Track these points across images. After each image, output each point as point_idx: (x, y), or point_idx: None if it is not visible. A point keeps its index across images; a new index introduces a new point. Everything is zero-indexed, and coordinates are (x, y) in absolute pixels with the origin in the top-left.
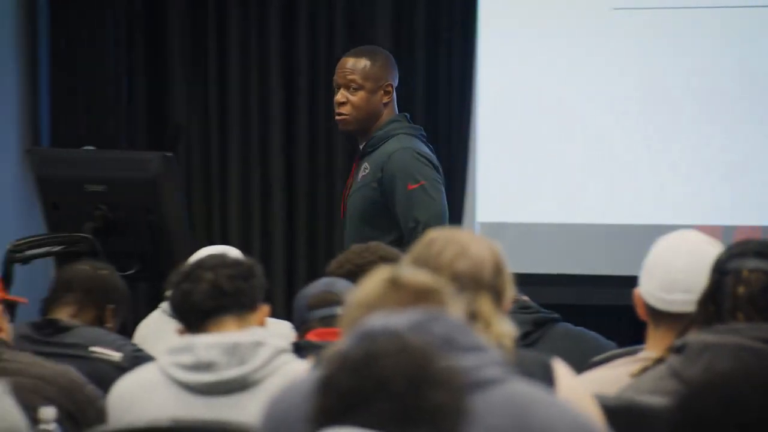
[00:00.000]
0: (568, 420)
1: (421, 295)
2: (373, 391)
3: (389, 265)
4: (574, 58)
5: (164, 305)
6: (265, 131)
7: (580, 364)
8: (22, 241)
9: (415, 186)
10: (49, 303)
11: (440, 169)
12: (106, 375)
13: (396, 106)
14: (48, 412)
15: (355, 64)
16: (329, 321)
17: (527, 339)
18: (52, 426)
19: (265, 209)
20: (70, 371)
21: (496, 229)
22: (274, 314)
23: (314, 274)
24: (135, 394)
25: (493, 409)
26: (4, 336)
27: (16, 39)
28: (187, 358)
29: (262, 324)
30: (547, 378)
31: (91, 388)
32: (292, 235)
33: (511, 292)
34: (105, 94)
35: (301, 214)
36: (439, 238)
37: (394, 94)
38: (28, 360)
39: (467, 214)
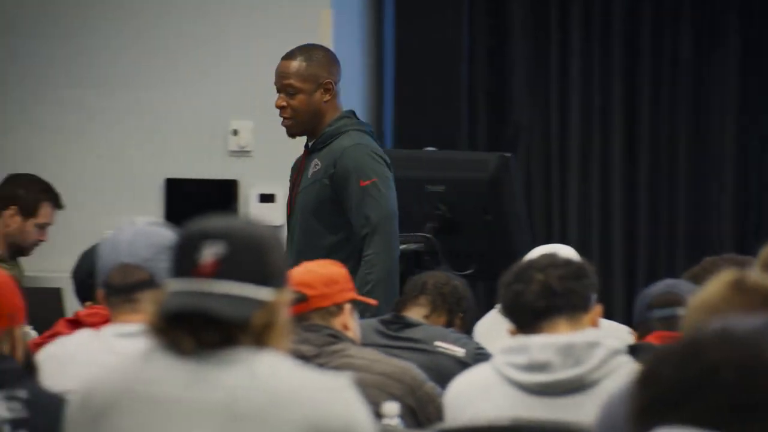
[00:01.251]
0: None
1: None
2: (700, 383)
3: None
4: None
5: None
6: (606, 132)
7: None
8: None
9: (367, 183)
10: (402, 302)
11: (392, 167)
12: (447, 369)
13: (340, 103)
14: (392, 408)
15: (288, 68)
16: (670, 322)
17: None
18: (395, 421)
19: (604, 210)
20: (412, 368)
21: None
22: (613, 316)
23: (654, 276)
24: (471, 393)
25: None
26: (350, 334)
27: (362, 42)
28: (521, 359)
29: (594, 324)
30: None
31: (430, 386)
32: (631, 237)
33: None
34: (447, 95)
35: (641, 215)
36: None
37: (336, 89)
38: (373, 357)
39: None
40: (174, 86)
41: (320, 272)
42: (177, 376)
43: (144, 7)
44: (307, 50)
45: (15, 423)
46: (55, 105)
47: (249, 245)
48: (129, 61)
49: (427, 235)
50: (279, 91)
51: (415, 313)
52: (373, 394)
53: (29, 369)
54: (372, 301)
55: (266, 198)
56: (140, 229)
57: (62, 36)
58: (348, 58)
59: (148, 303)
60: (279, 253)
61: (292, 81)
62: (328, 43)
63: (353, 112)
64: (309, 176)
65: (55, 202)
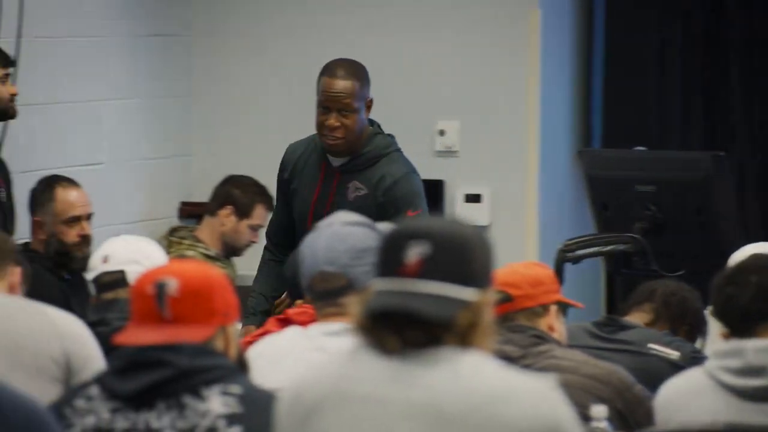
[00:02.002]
0: None
1: None
2: None
3: None
4: None
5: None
6: None
7: None
8: (573, 241)
9: (412, 214)
10: (627, 307)
11: None
12: (659, 372)
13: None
14: (600, 411)
15: (346, 88)
16: None
17: None
18: (603, 424)
19: None
20: (620, 371)
21: None
22: None
23: None
24: (682, 397)
25: None
26: (556, 336)
27: (570, 41)
28: (735, 363)
29: None
30: None
31: (639, 388)
32: None
33: None
34: (659, 94)
35: None
36: None
37: None
38: (579, 359)
39: None
40: (381, 87)
41: (526, 273)
42: (382, 375)
43: (349, 10)
44: (355, 67)
45: (230, 418)
46: (262, 109)
47: (453, 245)
48: None
49: (636, 236)
50: (331, 109)
51: (637, 318)
52: (580, 396)
53: (241, 366)
54: (579, 305)
55: (472, 198)
56: (336, 231)
57: (269, 37)
58: (556, 58)
59: (352, 303)
60: (484, 253)
61: (350, 101)
62: (536, 42)
63: (379, 125)
64: (350, 199)
65: (269, 205)
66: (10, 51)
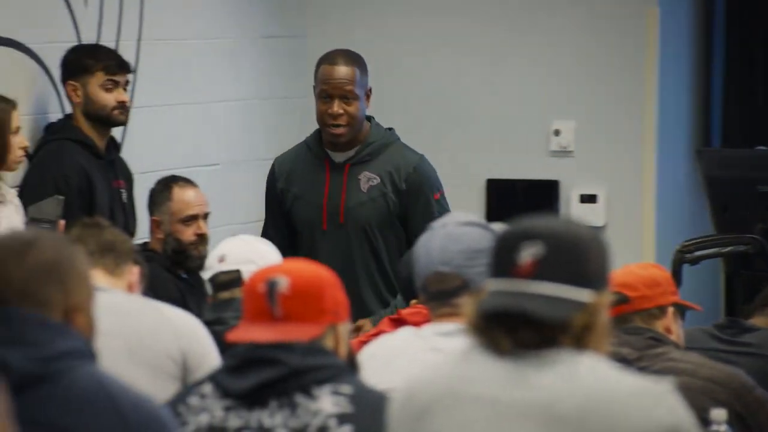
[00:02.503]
0: None
1: None
2: None
3: None
4: None
5: None
6: None
7: None
8: (691, 242)
9: (438, 196)
10: (750, 309)
11: None
12: None
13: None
14: (720, 414)
15: (348, 74)
16: None
17: None
18: (724, 428)
19: None
20: (740, 374)
21: None
22: None
23: None
24: None
25: None
26: (674, 338)
27: (689, 40)
28: None
29: None
30: None
31: (761, 392)
32: None
33: None
34: None
35: None
36: None
37: None
38: (698, 361)
39: None
40: (496, 88)
41: (642, 274)
42: (495, 376)
43: (463, 12)
44: (355, 56)
45: (341, 417)
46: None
47: (568, 246)
48: (451, 66)
49: (757, 237)
50: (333, 97)
51: (762, 322)
52: (698, 399)
53: (352, 365)
54: (697, 307)
55: (587, 198)
56: (451, 231)
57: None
58: (674, 56)
59: (466, 304)
60: (599, 253)
61: (353, 88)
62: (654, 41)
63: (371, 117)
64: (363, 190)
65: None
66: (131, 54)
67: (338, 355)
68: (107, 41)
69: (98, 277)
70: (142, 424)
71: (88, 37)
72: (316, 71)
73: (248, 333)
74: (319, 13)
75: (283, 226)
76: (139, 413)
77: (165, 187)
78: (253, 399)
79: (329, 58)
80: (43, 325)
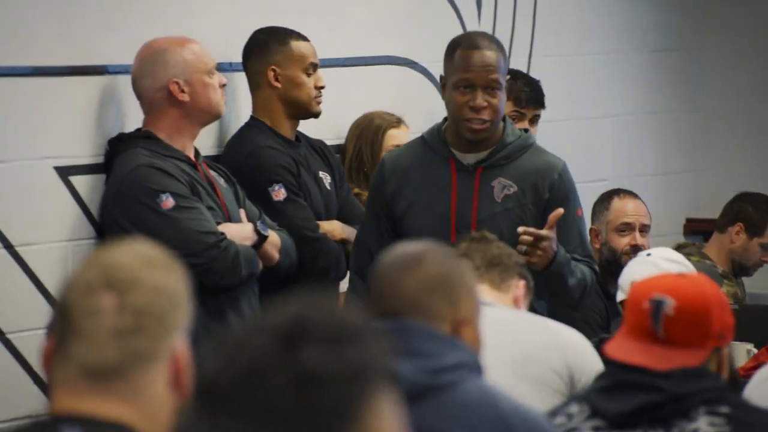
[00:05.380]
0: None
1: None
2: None
3: None
4: None
5: None
6: None
7: None
8: None
9: (580, 213)
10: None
11: None
12: None
13: None
14: None
15: (492, 59)
16: None
17: None
18: None
19: None
20: None
21: None
22: None
23: None
24: None
25: None
26: None
27: None
28: None
29: None
30: None
31: None
32: None
33: None
34: None
35: None
36: None
37: None
38: None
39: None
40: None
41: None
42: None
43: None
44: (496, 40)
45: None
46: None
47: None
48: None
49: None
50: (476, 87)
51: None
52: None
53: (733, 385)
54: None
55: None
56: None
57: None
58: None
59: None
60: None
61: (497, 76)
62: None
63: (504, 115)
64: (498, 198)
65: None
66: (522, 68)
67: (720, 377)
68: None
69: (484, 292)
70: None
71: None
72: (450, 56)
73: (627, 351)
74: (715, 25)
75: (389, 236)
76: (525, 423)
77: (606, 197)
78: (625, 421)
79: (468, 42)
80: (434, 337)
